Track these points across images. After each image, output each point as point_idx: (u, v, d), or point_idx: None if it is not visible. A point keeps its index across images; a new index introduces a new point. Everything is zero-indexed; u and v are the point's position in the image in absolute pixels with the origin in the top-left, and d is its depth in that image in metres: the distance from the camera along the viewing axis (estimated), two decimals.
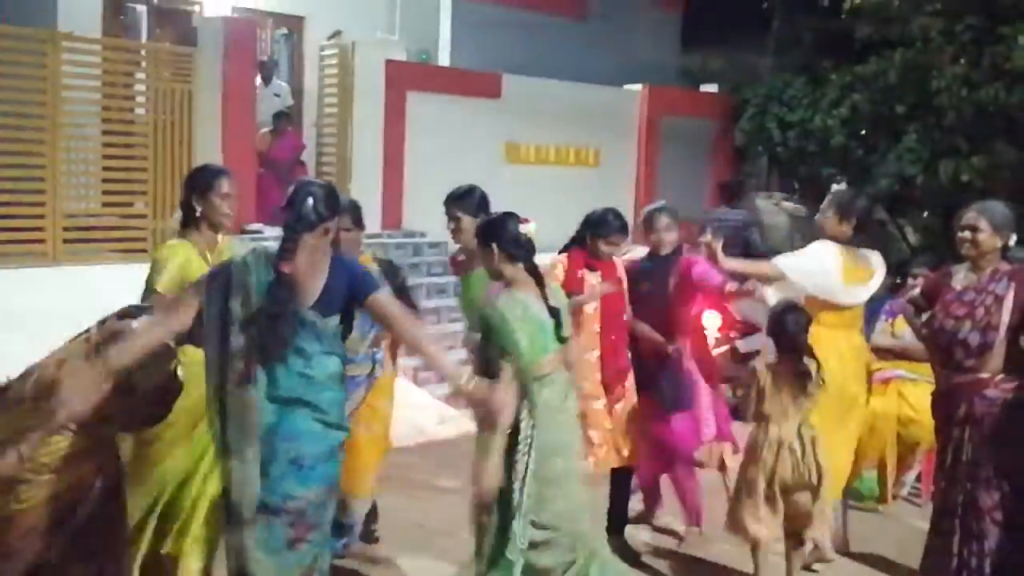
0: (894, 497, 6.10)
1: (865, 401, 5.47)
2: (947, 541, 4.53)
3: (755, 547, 4.69)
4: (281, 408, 3.49)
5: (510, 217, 4.09)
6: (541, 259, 4.20)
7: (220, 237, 4.20)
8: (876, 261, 5.37)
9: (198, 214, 4.03)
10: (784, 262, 5.24)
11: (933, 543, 4.66)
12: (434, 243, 10.08)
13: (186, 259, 3.98)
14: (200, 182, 4.08)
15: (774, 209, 4.12)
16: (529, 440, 3.93)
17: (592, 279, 5.06)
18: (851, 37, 12.08)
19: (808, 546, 4.87)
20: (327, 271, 3.58)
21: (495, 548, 3.94)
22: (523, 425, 3.91)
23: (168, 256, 3.99)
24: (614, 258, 5.17)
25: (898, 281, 7.66)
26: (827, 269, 5.15)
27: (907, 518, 5.96)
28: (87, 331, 3.47)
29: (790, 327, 4.64)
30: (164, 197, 9.10)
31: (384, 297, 3.65)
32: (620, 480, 5.25)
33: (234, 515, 3.50)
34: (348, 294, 3.60)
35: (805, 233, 4.64)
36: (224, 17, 9.97)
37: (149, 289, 3.92)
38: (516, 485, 3.89)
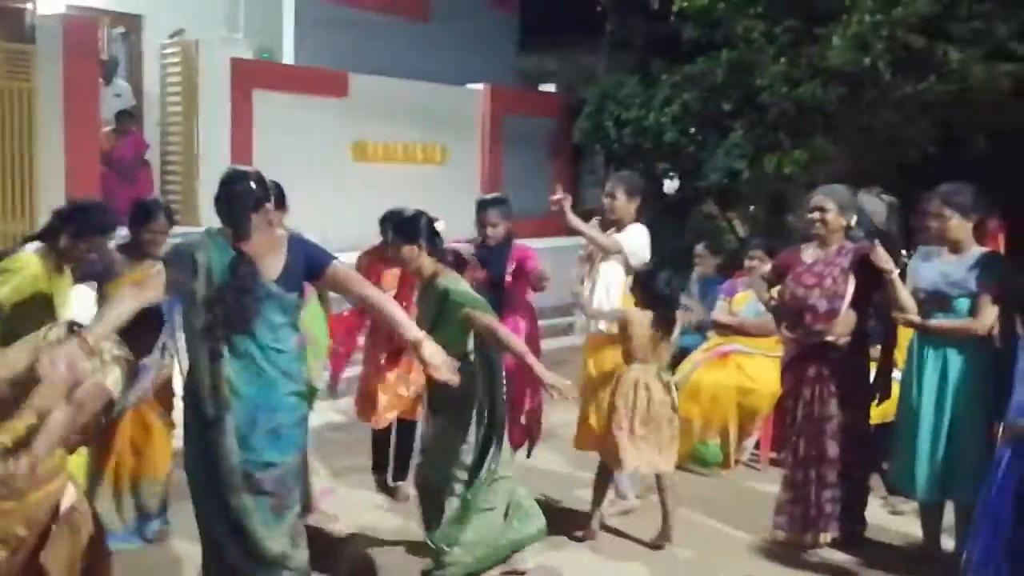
0: (736, 462, 6.58)
1: None
2: (799, 491, 5.10)
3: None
4: (255, 380, 3.73)
5: (425, 215, 4.51)
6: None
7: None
8: None
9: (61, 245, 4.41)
10: (624, 240, 5.65)
11: (788, 495, 5.18)
12: None
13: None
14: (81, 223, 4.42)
15: (875, 200, 4.52)
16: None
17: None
18: (680, 39, 12.57)
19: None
20: (285, 248, 3.82)
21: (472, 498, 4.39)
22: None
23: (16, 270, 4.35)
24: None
25: (721, 264, 8.19)
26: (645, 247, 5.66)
27: (749, 482, 6.38)
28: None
29: (660, 283, 5.21)
30: (4, 198, 8.84)
31: (341, 267, 3.92)
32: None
33: (221, 483, 3.74)
34: (306, 269, 3.84)
35: (899, 219, 5.12)
36: (64, 14, 9.73)
37: None
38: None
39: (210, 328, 3.71)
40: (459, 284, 4.45)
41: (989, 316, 4.62)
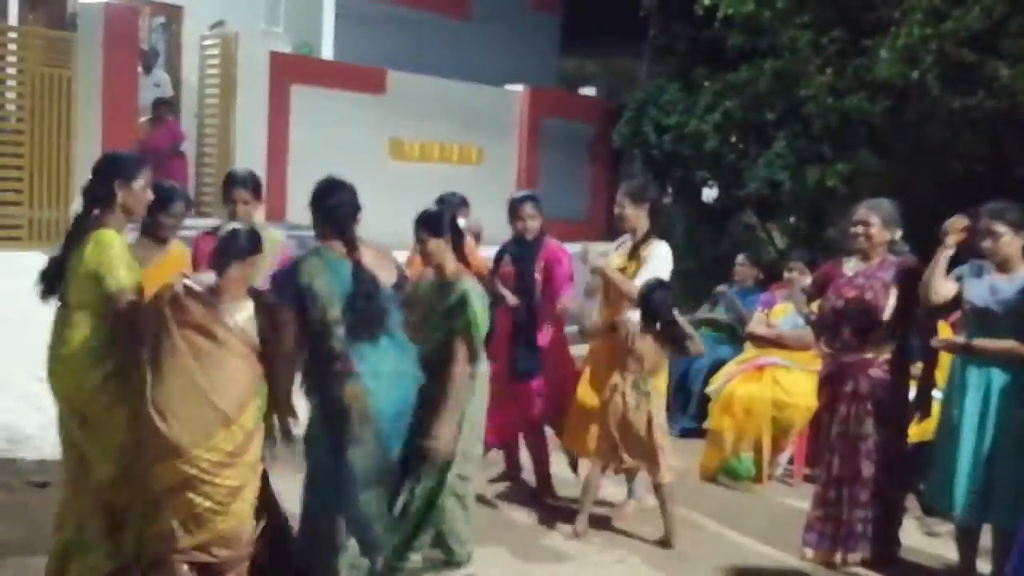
0: (769, 478, 6.44)
1: None
2: (834, 510, 4.97)
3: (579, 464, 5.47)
4: (386, 384, 3.97)
5: (451, 211, 4.64)
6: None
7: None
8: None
9: (119, 202, 3.96)
10: (649, 269, 5.52)
11: (819, 513, 5.06)
12: None
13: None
14: (127, 170, 4.02)
15: None
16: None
17: None
18: (724, 46, 12.45)
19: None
20: (391, 261, 4.19)
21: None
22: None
23: (118, 249, 3.92)
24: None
25: (760, 277, 8.06)
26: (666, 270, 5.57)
27: (780, 497, 6.24)
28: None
29: (656, 300, 5.20)
30: (41, 184, 8.88)
31: None
32: None
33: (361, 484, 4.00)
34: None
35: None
36: (106, 3, 9.75)
37: (118, 287, 3.85)
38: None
39: (340, 346, 3.90)
40: (480, 300, 4.42)
41: None
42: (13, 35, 9.47)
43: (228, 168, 10.10)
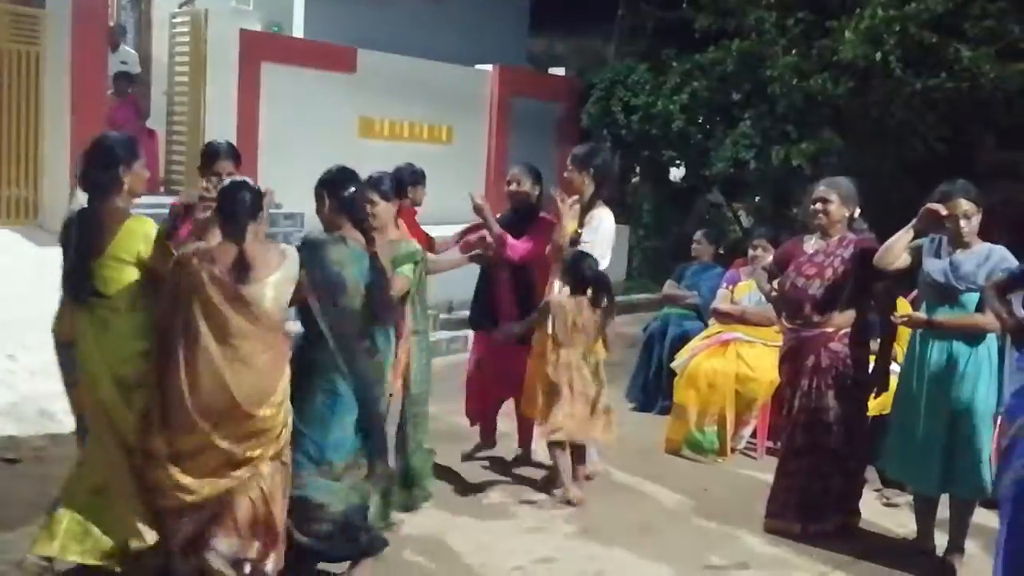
0: (732, 451, 6.59)
1: None
2: (794, 481, 5.11)
3: (559, 445, 5.47)
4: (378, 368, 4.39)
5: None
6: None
7: None
8: None
9: (125, 187, 4.00)
10: (588, 235, 5.64)
11: (781, 484, 5.19)
12: (289, 214, 10.08)
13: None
14: (126, 153, 4.05)
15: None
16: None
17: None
18: (691, 27, 12.54)
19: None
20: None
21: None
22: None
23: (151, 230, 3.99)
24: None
25: (720, 253, 8.22)
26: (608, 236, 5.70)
27: (744, 470, 6.37)
28: None
29: (586, 270, 5.39)
30: (10, 162, 8.84)
31: None
32: None
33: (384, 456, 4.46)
34: None
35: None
36: None
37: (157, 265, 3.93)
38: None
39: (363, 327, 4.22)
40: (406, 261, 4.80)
41: None
42: None
43: (199, 145, 10.16)
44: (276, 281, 3.81)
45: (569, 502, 5.44)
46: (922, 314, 4.82)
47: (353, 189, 4.27)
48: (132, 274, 3.93)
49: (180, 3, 11.16)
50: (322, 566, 4.30)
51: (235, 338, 3.71)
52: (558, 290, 5.50)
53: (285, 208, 10.18)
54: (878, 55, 9.99)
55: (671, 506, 5.65)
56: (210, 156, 4.91)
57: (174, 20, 10.82)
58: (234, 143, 8.69)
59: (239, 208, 3.80)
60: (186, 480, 3.73)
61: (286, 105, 10.75)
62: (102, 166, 3.95)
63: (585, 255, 5.45)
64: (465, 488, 5.68)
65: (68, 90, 9.13)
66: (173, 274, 3.78)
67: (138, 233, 3.93)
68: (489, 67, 13.49)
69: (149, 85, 11.49)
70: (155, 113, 11.07)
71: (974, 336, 4.68)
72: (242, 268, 3.72)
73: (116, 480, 3.93)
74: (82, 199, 3.97)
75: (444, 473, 5.82)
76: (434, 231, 6.21)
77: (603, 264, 5.55)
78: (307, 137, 10.45)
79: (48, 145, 9.02)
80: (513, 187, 5.92)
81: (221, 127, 10.19)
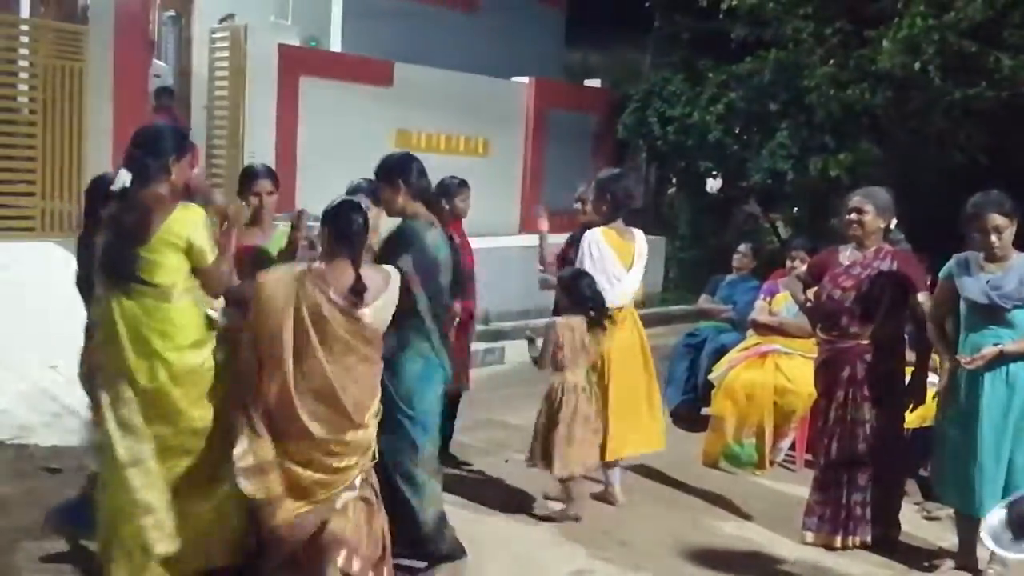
0: (771, 463, 6.54)
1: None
2: (833, 494, 5.07)
3: (569, 479, 5.35)
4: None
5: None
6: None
7: None
8: (639, 236, 5.85)
9: (172, 177, 3.98)
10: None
11: (819, 497, 5.15)
12: None
13: None
14: (178, 145, 4.06)
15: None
16: None
17: (455, 239, 5.69)
18: (728, 37, 12.52)
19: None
20: None
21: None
22: None
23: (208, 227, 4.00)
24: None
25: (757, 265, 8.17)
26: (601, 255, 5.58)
27: (782, 483, 6.32)
28: None
29: (584, 288, 5.32)
30: (54, 176, 8.98)
31: None
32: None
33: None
34: None
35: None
36: None
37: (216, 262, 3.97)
38: None
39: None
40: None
41: None
42: (25, 27, 9.56)
43: (238, 160, 10.31)
44: (383, 303, 3.89)
45: (577, 518, 5.40)
46: (991, 348, 4.55)
47: (424, 175, 4.56)
48: (182, 261, 3.88)
49: (220, 19, 11.29)
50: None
51: (344, 353, 3.78)
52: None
53: None
54: (917, 64, 9.91)
55: (708, 518, 5.62)
56: (249, 177, 4.95)
57: (214, 35, 10.97)
58: (273, 156, 8.84)
59: (354, 229, 3.85)
60: (310, 476, 3.78)
61: (324, 119, 10.84)
62: (153, 152, 3.92)
63: (584, 273, 5.43)
64: (500, 499, 5.67)
65: (111, 105, 9.29)
66: (276, 290, 3.78)
67: (188, 220, 3.88)
68: (525, 79, 13.53)
69: (189, 100, 11.63)
70: (195, 127, 11.20)
71: None
72: (358, 292, 3.77)
73: (159, 493, 3.92)
74: (125, 179, 3.89)
75: (482, 483, 5.83)
76: (471, 243, 6.28)
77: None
78: (345, 150, 10.50)
79: (91, 159, 9.15)
80: (578, 206, 6.09)
81: (260, 141, 10.33)
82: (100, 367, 3.96)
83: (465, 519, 5.18)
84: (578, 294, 5.35)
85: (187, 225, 3.87)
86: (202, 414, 3.95)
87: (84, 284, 4.24)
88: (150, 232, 3.83)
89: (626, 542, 5.18)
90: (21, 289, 7.30)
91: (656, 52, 15.80)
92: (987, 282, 4.59)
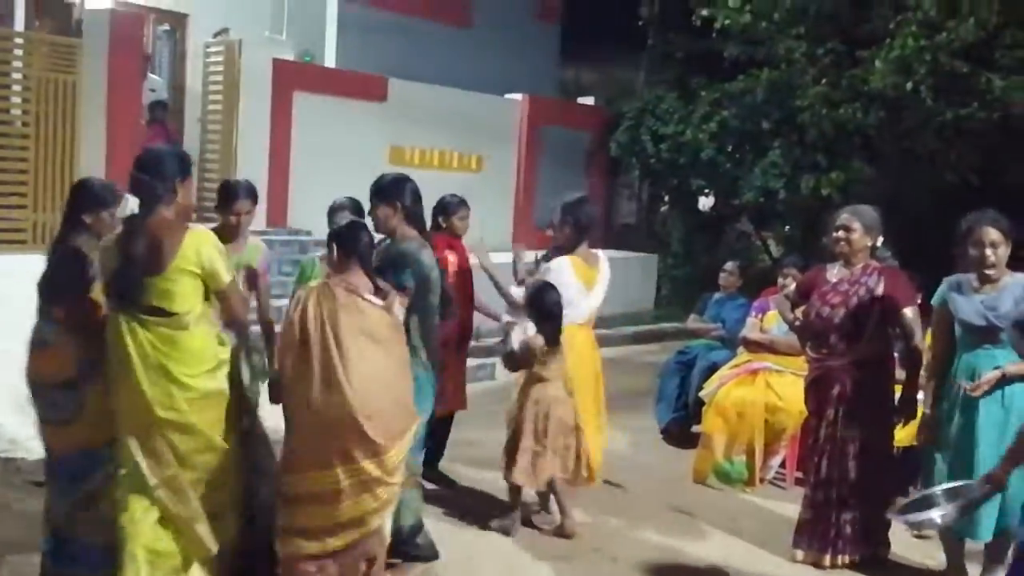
0: (761, 481, 6.52)
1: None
2: (823, 512, 5.05)
3: (518, 490, 5.36)
4: None
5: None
6: None
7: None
8: (603, 261, 5.86)
9: (179, 199, 3.95)
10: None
11: (808, 515, 5.14)
12: (319, 240, 10.14)
13: None
14: (183, 167, 4.03)
15: None
16: None
17: (451, 257, 5.85)
18: (721, 56, 12.59)
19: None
20: None
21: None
22: None
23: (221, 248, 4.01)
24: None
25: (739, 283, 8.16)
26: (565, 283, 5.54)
27: (773, 501, 6.29)
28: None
29: (548, 302, 5.29)
30: (46, 188, 8.97)
31: None
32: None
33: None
34: None
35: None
36: (112, 10, 9.87)
37: (230, 284, 4.00)
38: None
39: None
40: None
41: None
42: (19, 41, 9.53)
43: (231, 174, 10.32)
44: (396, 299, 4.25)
45: (508, 532, 5.35)
46: (994, 373, 4.51)
47: (418, 194, 4.76)
48: (197, 287, 3.86)
49: (214, 33, 11.32)
50: None
51: (384, 343, 4.08)
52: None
53: (316, 235, 10.28)
54: (909, 85, 9.97)
55: (698, 536, 5.60)
56: (229, 195, 4.95)
57: (208, 50, 11.00)
58: (266, 171, 8.81)
59: (362, 245, 4.18)
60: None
61: (318, 133, 10.87)
62: (159, 175, 3.88)
63: (550, 286, 5.39)
64: (489, 515, 5.65)
65: (104, 118, 9.31)
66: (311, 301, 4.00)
67: (201, 244, 3.85)
68: (519, 96, 13.58)
69: (183, 113, 11.66)
70: (188, 141, 11.21)
71: None
72: (380, 292, 4.16)
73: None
74: (133, 205, 3.87)
75: (470, 499, 5.82)
76: None
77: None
78: (338, 165, 10.55)
79: (83, 172, 9.12)
80: (549, 232, 6.01)
81: (254, 155, 10.34)
82: (114, 400, 3.92)
83: (453, 534, 5.19)
84: (545, 309, 5.30)
85: (201, 250, 3.84)
86: (221, 436, 3.98)
87: (45, 287, 4.17)
88: (164, 261, 3.78)
89: (616, 558, 5.15)
90: (10, 302, 7.27)
91: (649, 70, 15.87)
92: (981, 302, 4.57)
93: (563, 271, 5.60)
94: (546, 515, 5.58)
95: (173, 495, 3.89)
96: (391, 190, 4.69)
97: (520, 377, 5.45)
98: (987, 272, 4.58)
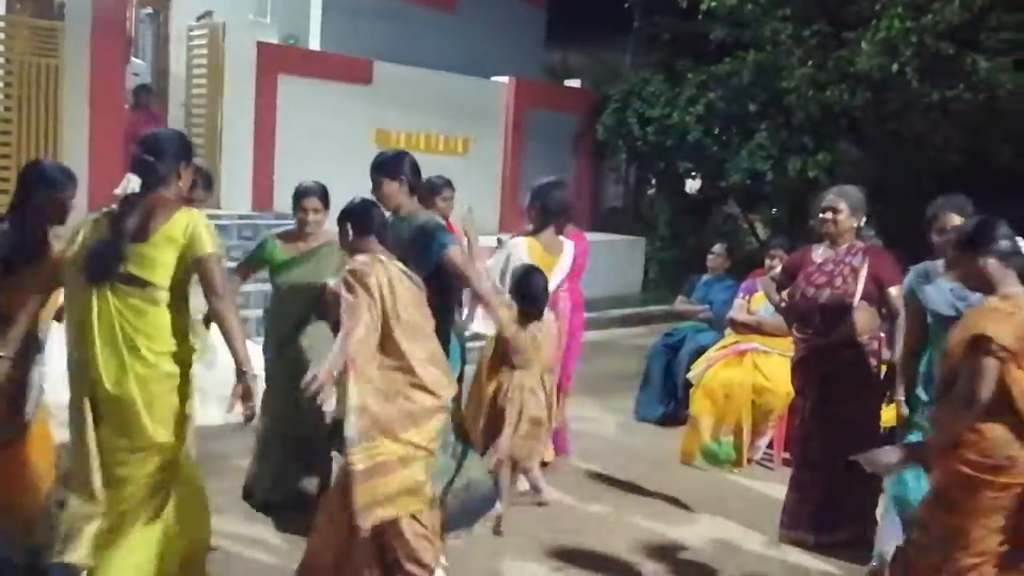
0: (748, 461, 6.54)
1: None
2: (808, 492, 5.07)
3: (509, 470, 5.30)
4: None
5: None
6: None
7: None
8: (567, 249, 5.82)
9: (180, 182, 3.90)
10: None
11: (795, 495, 5.15)
12: None
13: None
14: (187, 151, 3.97)
15: None
16: None
17: None
18: (707, 38, 12.59)
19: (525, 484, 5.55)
20: None
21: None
22: None
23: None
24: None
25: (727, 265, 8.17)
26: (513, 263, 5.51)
27: (760, 481, 6.31)
28: None
29: (534, 286, 5.23)
30: None
31: None
32: None
33: None
34: None
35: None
36: None
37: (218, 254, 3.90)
38: None
39: None
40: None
41: None
42: (1, 24, 9.46)
43: (216, 156, 10.28)
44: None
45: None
46: None
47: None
48: (179, 263, 3.77)
49: (198, 16, 11.24)
50: None
51: (424, 314, 4.10)
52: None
53: None
54: (894, 66, 9.97)
55: (685, 516, 5.62)
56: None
57: (192, 33, 10.93)
58: (251, 154, 8.77)
59: (379, 225, 4.14)
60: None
61: (303, 117, 10.82)
62: (165, 155, 3.81)
63: (535, 269, 5.34)
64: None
65: (87, 101, 9.23)
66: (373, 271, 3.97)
67: (191, 218, 3.79)
68: (505, 79, 13.55)
69: (167, 97, 11.57)
70: (172, 125, 11.13)
71: None
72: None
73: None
74: (135, 184, 3.77)
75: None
76: None
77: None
78: (323, 148, 10.52)
79: (66, 156, 9.06)
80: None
81: (238, 139, 10.30)
82: (72, 365, 3.83)
83: None
84: (533, 291, 5.24)
85: (189, 222, 3.77)
86: (165, 432, 3.78)
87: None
88: (151, 229, 3.73)
89: (604, 540, 5.17)
90: None
91: (636, 53, 15.85)
92: (951, 291, 4.43)
93: (518, 252, 5.56)
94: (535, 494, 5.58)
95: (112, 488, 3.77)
96: (394, 164, 4.63)
97: (488, 362, 5.40)
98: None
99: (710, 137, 12.91)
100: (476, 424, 5.31)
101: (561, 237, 5.81)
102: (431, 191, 5.97)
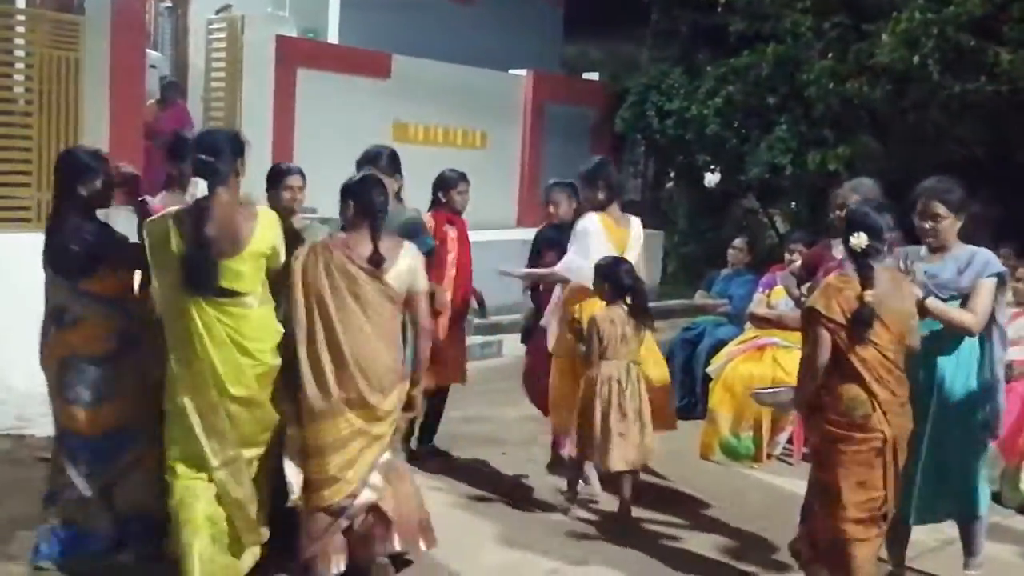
0: (768, 457, 6.53)
1: None
2: None
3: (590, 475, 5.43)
4: None
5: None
6: None
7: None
8: (635, 223, 5.82)
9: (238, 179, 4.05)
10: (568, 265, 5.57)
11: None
12: (324, 218, 10.12)
13: None
14: (241, 147, 4.08)
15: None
16: None
17: (451, 232, 5.91)
18: (726, 31, 12.51)
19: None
20: None
21: None
22: None
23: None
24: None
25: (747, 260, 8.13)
26: (592, 244, 5.44)
27: (780, 476, 6.31)
28: None
29: (624, 276, 5.19)
30: (49, 167, 8.91)
31: None
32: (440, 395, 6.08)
33: None
34: None
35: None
36: None
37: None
38: None
39: None
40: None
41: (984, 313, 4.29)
42: (21, 17, 9.47)
43: None
44: (401, 269, 4.13)
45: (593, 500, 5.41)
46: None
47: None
48: (263, 267, 3.98)
49: (217, 9, 11.26)
50: None
51: (376, 312, 4.07)
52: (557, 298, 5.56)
53: (320, 212, 10.24)
54: (915, 59, 9.89)
55: (704, 511, 5.61)
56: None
57: (211, 27, 10.93)
58: (269, 148, 8.78)
59: (377, 204, 4.12)
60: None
61: (321, 110, 10.82)
62: (223, 154, 3.92)
63: (621, 260, 5.31)
64: (495, 492, 5.66)
65: (107, 95, 9.23)
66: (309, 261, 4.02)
67: (273, 227, 4.00)
68: (523, 72, 13.52)
69: (186, 91, 11.59)
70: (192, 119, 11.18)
71: (956, 346, 4.41)
72: (375, 263, 4.04)
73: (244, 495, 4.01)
74: (203, 188, 3.87)
75: (476, 476, 5.83)
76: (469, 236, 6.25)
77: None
78: (342, 142, 10.46)
79: None
80: (551, 210, 6.13)
81: (257, 133, 10.25)
82: (174, 378, 3.94)
83: (450, 512, 5.19)
84: (618, 282, 5.21)
85: (273, 233, 3.99)
86: (273, 411, 4.04)
87: (66, 261, 4.16)
88: (240, 245, 3.87)
89: (621, 535, 5.16)
90: (18, 279, 7.28)
91: (654, 46, 15.79)
92: (924, 272, 4.43)
93: (591, 228, 5.46)
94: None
95: (232, 477, 3.96)
96: (394, 159, 5.09)
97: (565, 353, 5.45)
98: (928, 242, 4.48)
99: (729, 130, 12.83)
100: (565, 423, 5.40)
101: (626, 215, 5.78)
102: (445, 185, 5.98)
